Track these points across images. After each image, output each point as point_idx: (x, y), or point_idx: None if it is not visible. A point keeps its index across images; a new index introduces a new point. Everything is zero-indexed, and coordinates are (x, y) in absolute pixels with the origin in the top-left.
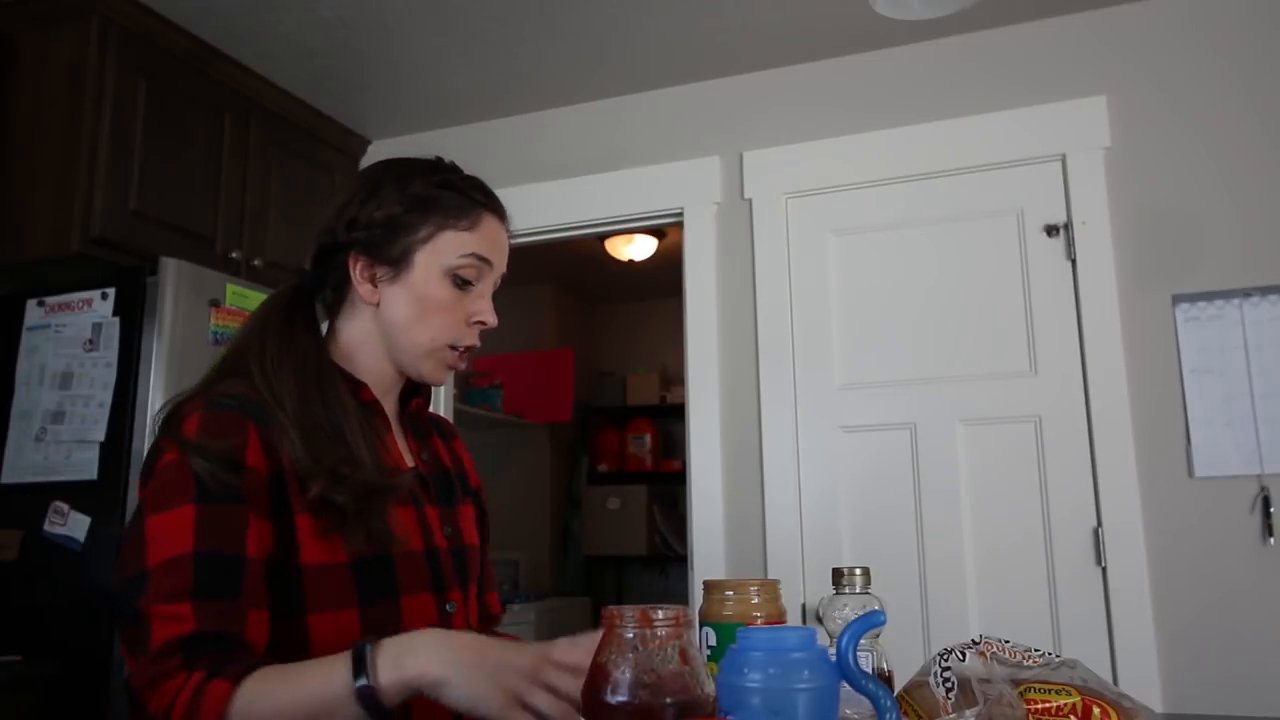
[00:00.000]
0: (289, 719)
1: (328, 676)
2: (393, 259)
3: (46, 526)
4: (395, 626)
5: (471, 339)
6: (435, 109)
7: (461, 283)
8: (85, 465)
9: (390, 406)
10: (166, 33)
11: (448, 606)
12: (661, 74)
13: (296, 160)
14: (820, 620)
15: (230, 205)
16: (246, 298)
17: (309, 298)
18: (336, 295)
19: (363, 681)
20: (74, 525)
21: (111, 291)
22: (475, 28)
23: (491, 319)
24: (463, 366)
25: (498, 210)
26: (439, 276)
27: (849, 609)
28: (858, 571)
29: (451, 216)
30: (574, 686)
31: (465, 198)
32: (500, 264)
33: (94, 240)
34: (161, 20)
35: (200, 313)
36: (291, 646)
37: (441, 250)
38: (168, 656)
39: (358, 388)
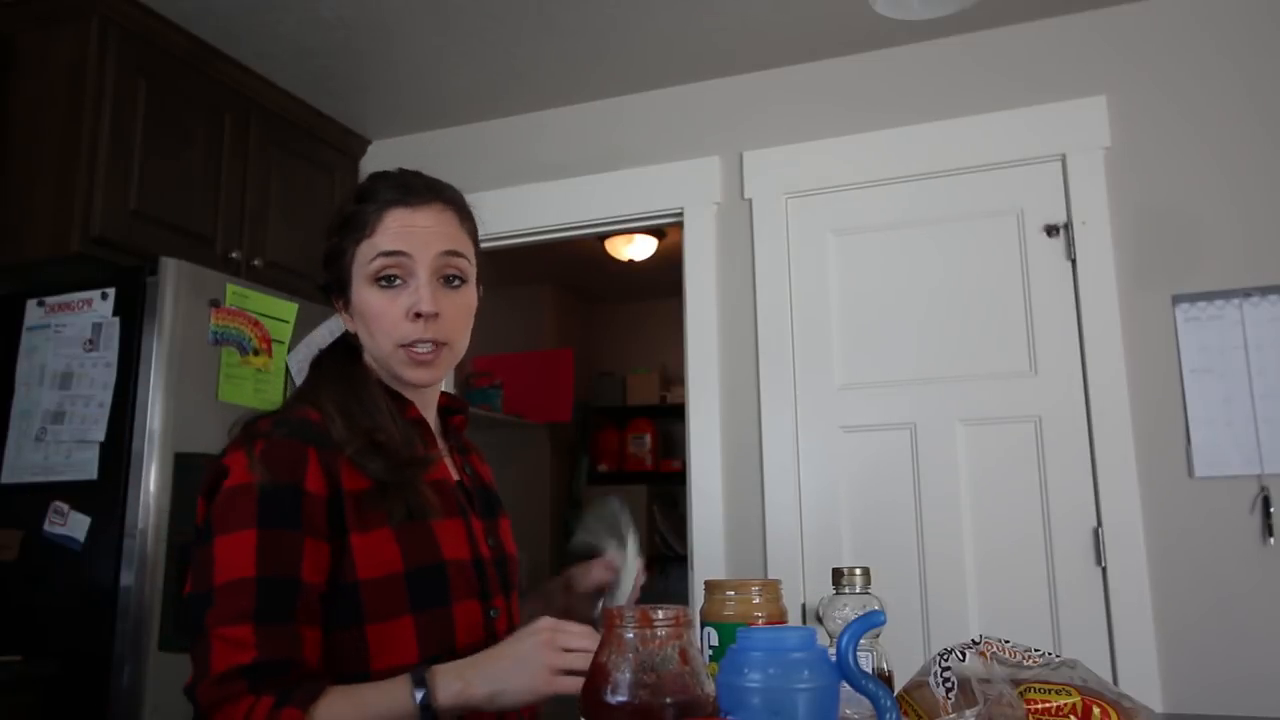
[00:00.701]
0: None
1: (391, 700)
2: (341, 285)
3: (46, 526)
4: (448, 631)
5: (418, 333)
6: (435, 109)
7: (386, 282)
8: (85, 465)
9: (433, 425)
10: (166, 33)
11: (491, 613)
12: (661, 73)
13: (296, 160)
14: (820, 620)
15: (230, 205)
16: (246, 298)
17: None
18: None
19: (425, 703)
20: (74, 525)
21: (111, 291)
22: (475, 27)
23: (425, 306)
24: (433, 360)
25: (405, 199)
26: (366, 287)
27: (849, 609)
28: (858, 571)
29: (357, 228)
30: (585, 637)
31: (372, 203)
32: (422, 249)
33: (94, 240)
34: (161, 20)
35: (200, 313)
36: (353, 655)
37: (360, 263)
38: (231, 682)
39: (405, 405)
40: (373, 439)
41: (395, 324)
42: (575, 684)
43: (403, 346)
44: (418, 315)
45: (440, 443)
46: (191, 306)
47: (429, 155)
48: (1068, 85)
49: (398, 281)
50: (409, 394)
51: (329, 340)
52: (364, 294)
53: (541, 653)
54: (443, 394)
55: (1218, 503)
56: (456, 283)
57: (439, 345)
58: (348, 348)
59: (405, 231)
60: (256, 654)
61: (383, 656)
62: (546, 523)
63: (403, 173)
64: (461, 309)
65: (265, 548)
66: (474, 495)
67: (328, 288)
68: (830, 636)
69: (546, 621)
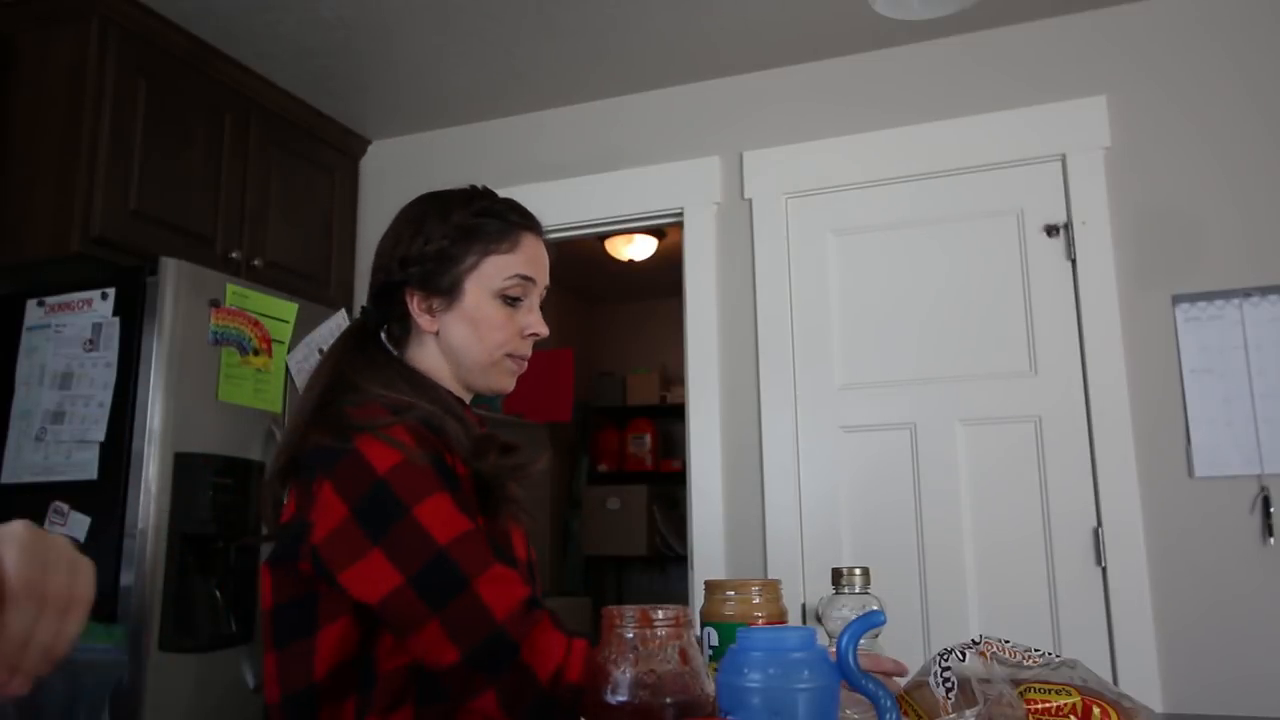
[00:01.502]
0: None
1: None
2: (445, 289)
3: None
4: None
5: (526, 349)
6: (435, 109)
7: (510, 300)
8: (85, 465)
9: None
10: (166, 33)
11: None
12: (661, 73)
13: (296, 160)
14: (820, 620)
15: (230, 205)
16: (246, 298)
17: (374, 332)
18: (402, 329)
19: None
20: (74, 525)
21: (111, 291)
22: (475, 28)
23: (543, 330)
24: (521, 371)
25: (535, 228)
26: (489, 299)
27: (848, 609)
28: (857, 572)
29: (493, 242)
30: None
31: (504, 222)
32: (543, 278)
33: (94, 240)
34: (161, 20)
35: (200, 313)
36: None
37: (488, 275)
38: (533, 610)
39: (464, 407)
40: (503, 443)
41: (510, 339)
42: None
43: (510, 356)
44: (532, 334)
45: None
46: (191, 306)
47: (429, 155)
48: (1068, 85)
49: (520, 302)
50: (459, 394)
51: (330, 339)
52: (486, 304)
53: None
54: None
55: (1218, 503)
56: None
57: (527, 359)
58: (378, 341)
59: (539, 258)
60: (527, 589)
61: None
62: (546, 523)
63: (510, 200)
64: (547, 333)
65: (460, 508)
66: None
67: (403, 283)
68: (830, 636)
69: None
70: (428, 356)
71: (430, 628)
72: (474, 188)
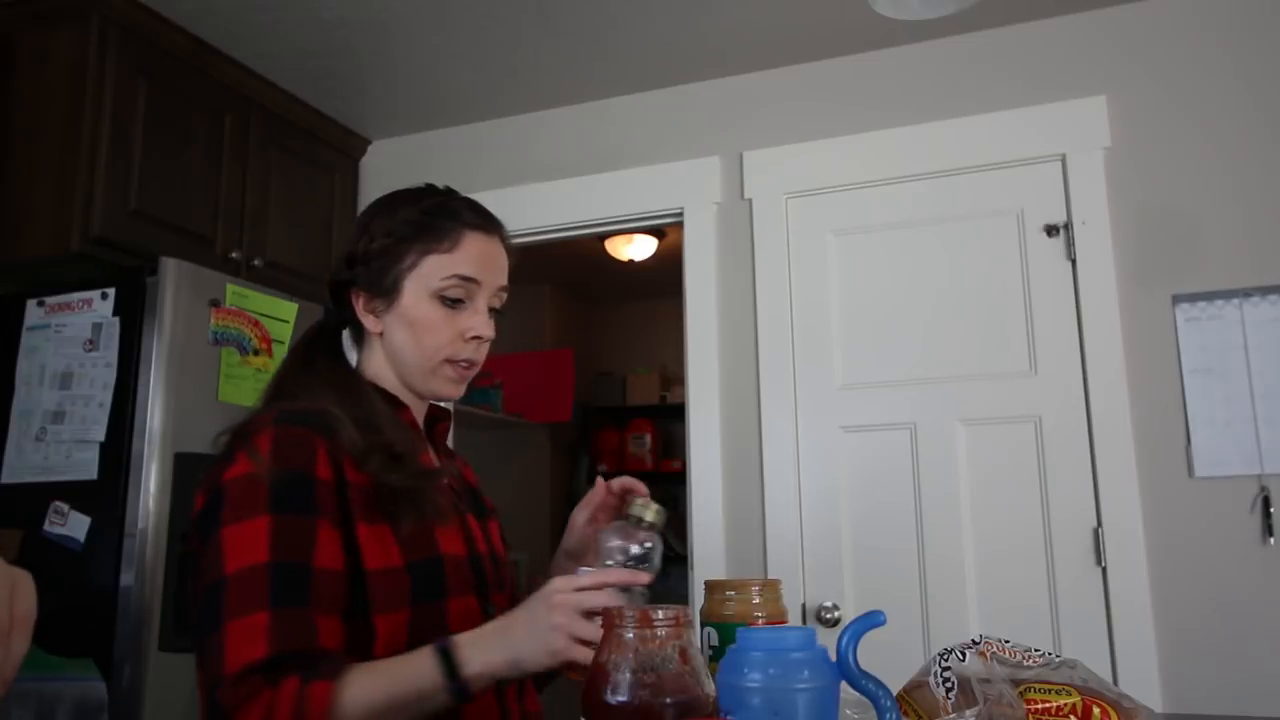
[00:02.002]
0: (390, 707)
1: (417, 671)
2: (385, 289)
3: (46, 526)
4: (442, 627)
5: (469, 353)
6: (435, 109)
7: (450, 302)
8: (85, 465)
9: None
10: (166, 33)
11: (490, 609)
12: (661, 73)
13: (296, 160)
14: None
15: (230, 205)
16: (246, 298)
17: (334, 333)
18: (355, 331)
19: (452, 673)
20: (74, 525)
21: (111, 291)
22: (475, 27)
23: (485, 332)
24: (468, 377)
25: (485, 227)
26: (427, 299)
27: (616, 539)
28: (651, 510)
29: (433, 240)
30: (593, 599)
31: (449, 220)
32: (491, 278)
33: (94, 240)
34: (161, 20)
35: (200, 313)
36: (360, 645)
37: (426, 274)
38: (248, 680)
39: (399, 406)
40: (391, 451)
41: (449, 342)
42: (588, 654)
43: (449, 362)
44: (474, 338)
45: (428, 445)
46: (191, 306)
47: (429, 155)
48: (1068, 85)
49: (462, 304)
50: (405, 398)
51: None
52: (423, 305)
53: (554, 616)
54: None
55: (1218, 503)
56: (495, 314)
57: (474, 366)
58: (330, 344)
59: (486, 258)
60: (269, 647)
61: (386, 648)
62: (546, 523)
63: (469, 199)
64: (492, 336)
65: (279, 533)
66: (462, 495)
67: (347, 283)
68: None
69: (559, 582)
70: (377, 359)
71: (201, 646)
72: (429, 186)
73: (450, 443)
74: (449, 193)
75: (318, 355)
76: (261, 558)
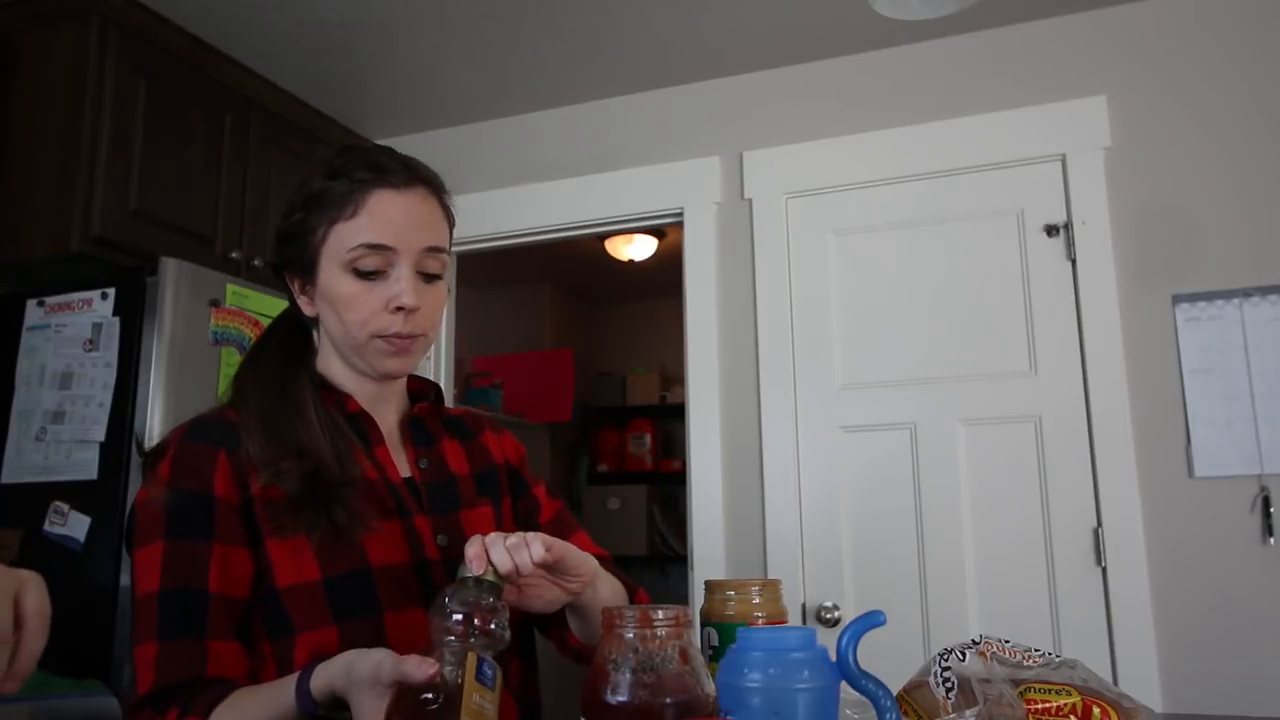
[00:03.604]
0: None
1: (280, 693)
2: (305, 266)
3: (46, 526)
4: (379, 641)
5: (398, 325)
6: (435, 109)
7: (365, 274)
8: (85, 465)
9: (387, 415)
10: (166, 33)
11: None
12: (661, 73)
13: (297, 160)
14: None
15: (230, 205)
16: (246, 298)
17: (294, 322)
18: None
19: (304, 693)
20: (74, 525)
21: (111, 291)
22: (475, 27)
23: (408, 301)
24: (411, 349)
25: (394, 181)
26: (340, 273)
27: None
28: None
29: (336, 208)
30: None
31: (349, 181)
32: (410, 239)
33: (94, 240)
34: (161, 20)
35: (200, 313)
36: (286, 667)
37: (334, 247)
38: (141, 710)
39: (344, 399)
40: (297, 458)
41: (373, 314)
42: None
43: (379, 337)
44: (399, 309)
45: (393, 434)
46: (191, 306)
47: (429, 155)
48: (1068, 85)
49: (379, 275)
50: (350, 386)
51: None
52: (337, 280)
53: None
54: (412, 378)
55: (1218, 503)
56: (431, 279)
57: (415, 336)
58: (290, 331)
59: (389, 222)
60: (155, 680)
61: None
62: None
63: (377, 148)
64: (437, 301)
65: (170, 560)
66: (425, 490)
67: (282, 266)
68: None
69: (390, 668)
70: (324, 345)
71: None
72: (350, 145)
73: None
74: (352, 149)
75: (273, 343)
76: (154, 586)
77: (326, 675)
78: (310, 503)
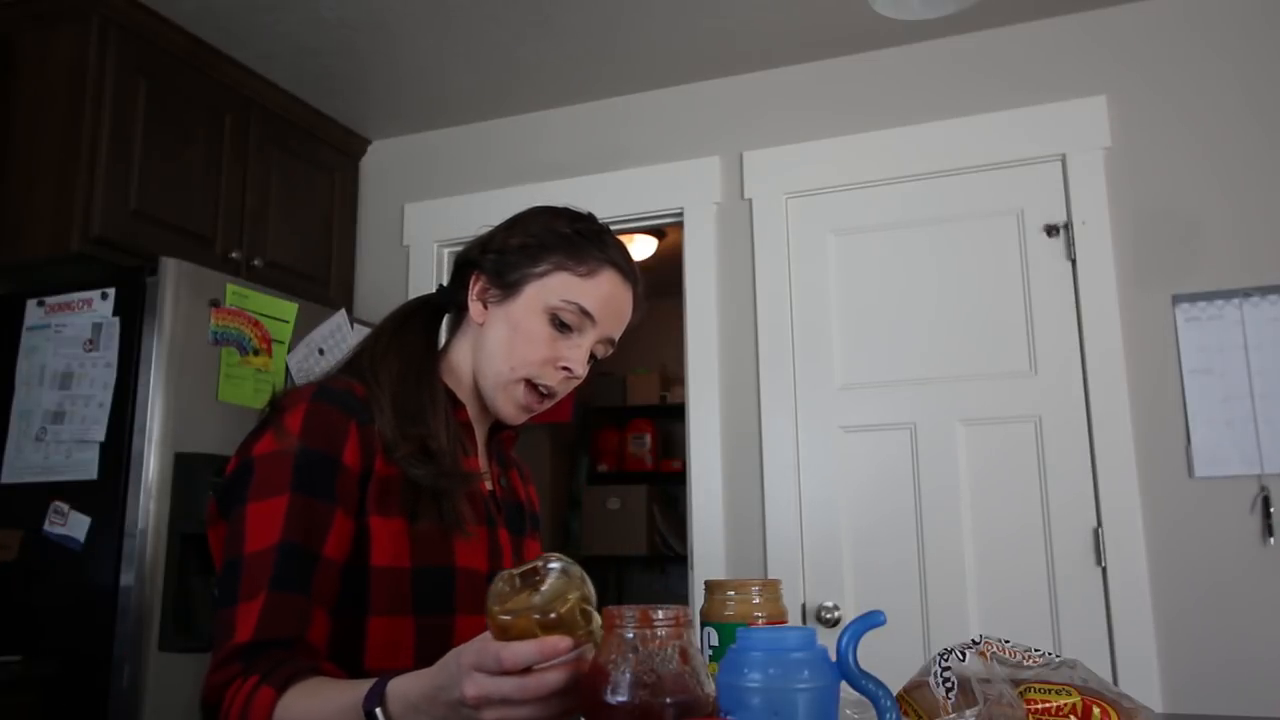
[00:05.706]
0: None
1: (349, 702)
2: (507, 284)
3: (46, 526)
4: (446, 642)
5: (552, 380)
6: (435, 109)
7: (560, 325)
8: (85, 465)
9: (481, 434)
10: (166, 33)
11: None
12: (661, 74)
13: (296, 160)
14: None
15: (230, 205)
16: (246, 298)
17: (436, 311)
18: (458, 314)
19: (376, 710)
20: (74, 525)
21: (111, 291)
22: (475, 28)
23: (578, 369)
24: (538, 409)
25: (624, 272)
26: (539, 312)
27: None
28: None
29: (572, 259)
30: (523, 687)
31: (595, 247)
32: (607, 324)
33: (94, 240)
34: (161, 20)
35: (200, 313)
36: (350, 645)
37: (550, 288)
38: (229, 665)
39: (456, 404)
40: (425, 444)
41: (541, 361)
42: None
43: (529, 381)
44: (565, 369)
45: (481, 450)
46: (191, 306)
47: (429, 155)
48: (1068, 85)
49: (570, 332)
50: (463, 396)
51: (330, 339)
52: (533, 316)
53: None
54: None
55: (1218, 503)
56: (592, 361)
57: (550, 398)
58: (428, 321)
59: (612, 301)
60: (256, 631)
61: (378, 655)
62: (546, 523)
63: (622, 243)
64: (582, 377)
65: (294, 514)
66: (504, 508)
67: (474, 264)
68: None
69: (491, 665)
70: (463, 349)
71: (217, 617)
72: (592, 216)
73: None
74: (606, 228)
75: (411, 327)
76: (273, 539)
77: (402, 689)
78: (427, 492)
